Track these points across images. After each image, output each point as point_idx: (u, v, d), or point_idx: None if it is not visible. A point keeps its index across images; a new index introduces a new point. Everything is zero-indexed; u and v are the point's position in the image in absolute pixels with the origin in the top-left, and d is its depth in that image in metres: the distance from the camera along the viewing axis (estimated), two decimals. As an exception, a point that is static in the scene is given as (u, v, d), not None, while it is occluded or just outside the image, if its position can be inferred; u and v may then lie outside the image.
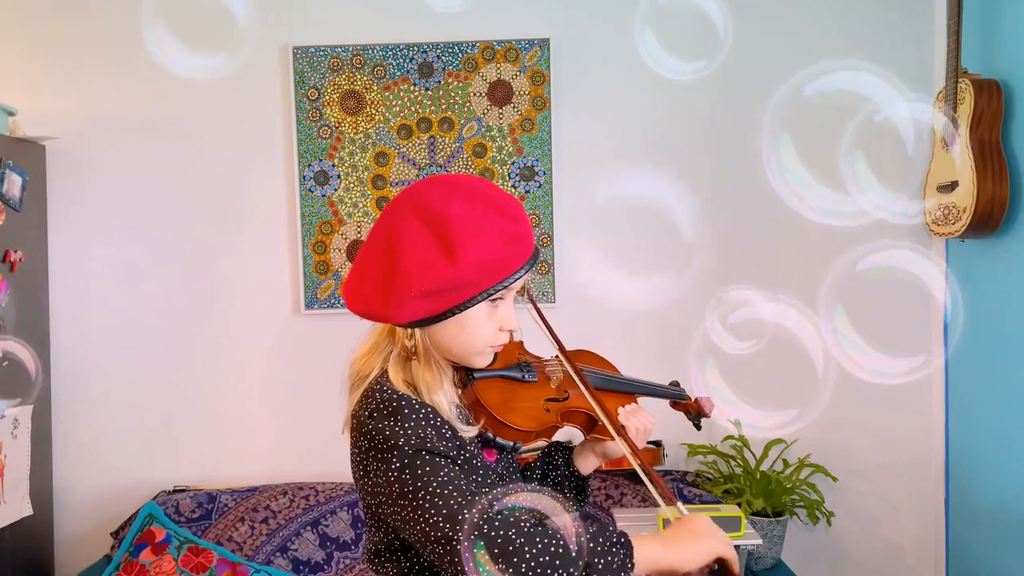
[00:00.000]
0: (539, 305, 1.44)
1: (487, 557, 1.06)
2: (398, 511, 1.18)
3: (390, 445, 1.19)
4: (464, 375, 1.34)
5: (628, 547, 1.11)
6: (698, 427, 1.68)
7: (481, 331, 1.27)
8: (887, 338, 2.84)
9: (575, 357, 1.44)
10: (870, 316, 2.85)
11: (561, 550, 1.07)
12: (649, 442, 2.67)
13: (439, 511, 1.13)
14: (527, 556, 1.06)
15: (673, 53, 2.27)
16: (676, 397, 1.65)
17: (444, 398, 1.27)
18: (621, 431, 1.34)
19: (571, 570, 1.06)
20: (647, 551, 1.12)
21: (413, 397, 1.24)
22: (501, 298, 1.27)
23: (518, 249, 1.24)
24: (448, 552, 1.11)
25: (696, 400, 1.65)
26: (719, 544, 1.16)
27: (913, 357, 2.72)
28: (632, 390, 1.54)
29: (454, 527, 1.11)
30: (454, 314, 1.23)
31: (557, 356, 1.46)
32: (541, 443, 1.41)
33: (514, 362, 1.41)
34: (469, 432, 1.29)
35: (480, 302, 1.24)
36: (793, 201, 2.18)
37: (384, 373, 1.28)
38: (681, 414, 1.67)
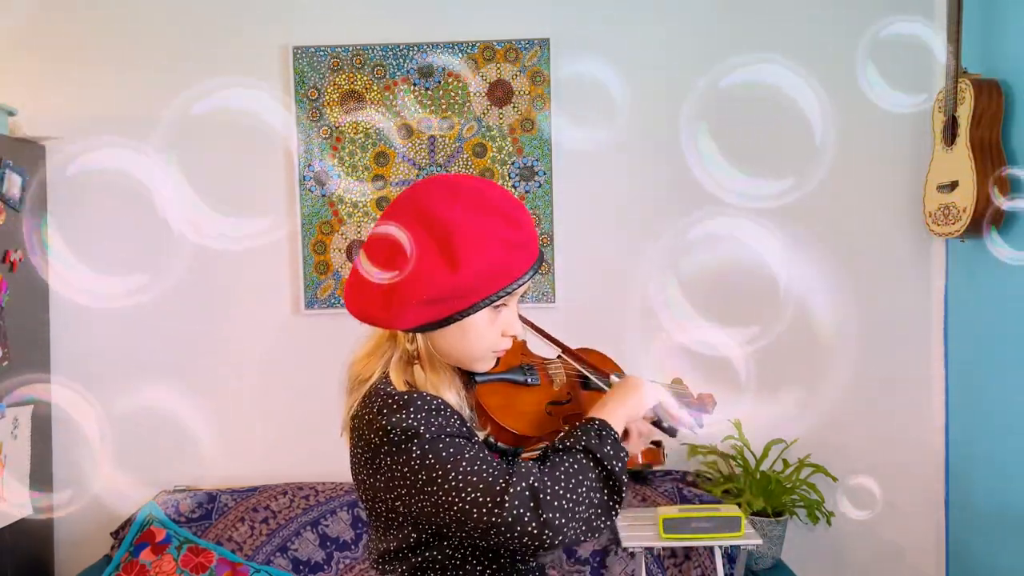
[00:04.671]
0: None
1: (534, 512, 1.14)
2: (426, 498, 1.18)
3: (409, 435, 1.18)
4: (466, 379, 1.33)
5: (607, 427, 1.25)
6: (700, 424, 1.66)
7: (483, 337, 1.27)
8: (887, 338, 2.85)
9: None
10: (870, 316, 2.86)
11: (576, 466, 1.19)
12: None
13: (475, 487, 1.15)
14: (561, 493, 1.16)
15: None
16: (676, 394, 1.63)
17: (452, 398, 1.27)
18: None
19: (591, 475, 1.19)
20: (615, 418, 1.27)
21: (423, 391, 1.24)
22: (504, 304, 1.27)
23: (521, 255, 1.24)
24: (494, 524, 1.14)
25: (698, 397, 1.62)
26: (656, 390, 1.36)
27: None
28: None
29: (495, 497, 1.14)
30: (456, 320, 1.23)
31: (560, 357, 1.45)
32: (544, 446, 1.39)
33: (516, 364, 1.39)
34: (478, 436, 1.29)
35: (482, 308, 1.23)
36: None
37: (385, 376, 1.27)
38: None
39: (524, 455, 1.39)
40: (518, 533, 1.14)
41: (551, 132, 2.82)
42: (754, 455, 2.71)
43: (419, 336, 1.27)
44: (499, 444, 1.32)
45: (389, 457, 1.20)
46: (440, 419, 1.20)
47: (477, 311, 1.23)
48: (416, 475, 1.18)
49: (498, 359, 1.34)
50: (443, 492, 1.16)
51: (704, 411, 1.61)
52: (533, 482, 1.15)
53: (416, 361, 1.28)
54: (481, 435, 1.29)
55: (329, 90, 2.84)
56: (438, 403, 1.22)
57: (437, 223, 1.20)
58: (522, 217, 1.26)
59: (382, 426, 1.20)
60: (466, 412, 1.29)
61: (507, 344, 1.31)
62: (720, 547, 2.33)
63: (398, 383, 1.25)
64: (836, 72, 2.83)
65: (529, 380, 1.38)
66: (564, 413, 1.38)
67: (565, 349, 1.42)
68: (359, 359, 1.32)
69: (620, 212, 2.87)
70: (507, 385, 1.36)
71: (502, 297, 1.23)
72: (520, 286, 1.25)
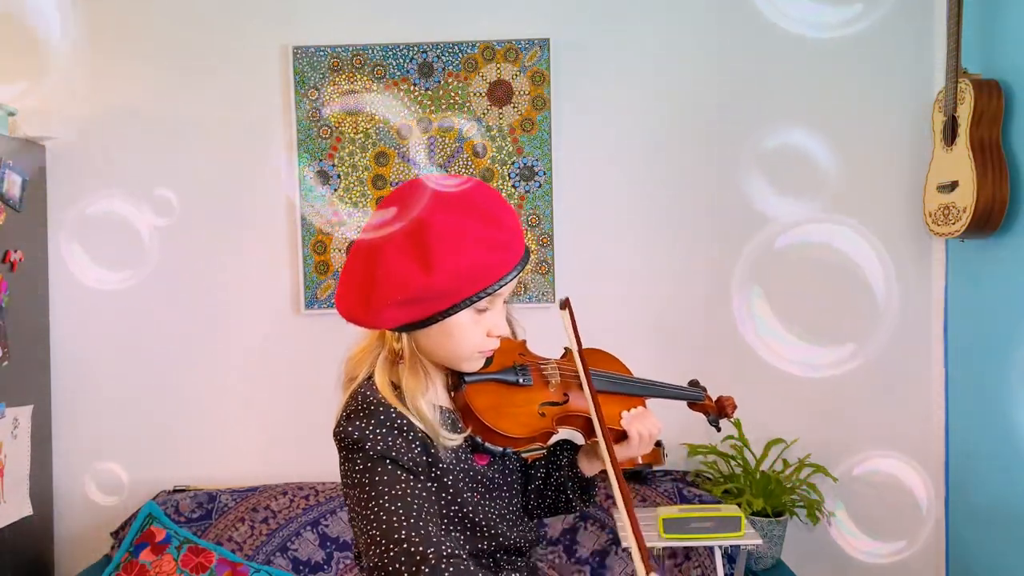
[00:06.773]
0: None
1: None
2: (353, 513, 1.20)
3: (357, 446, 1.20)
4: (456, 379, 1.32)
5: None
6: (718, 428, 1.60)
7: (467, 337, 1.26)
8: (887, 338, 2.85)
9: (584, 356, 1.38)
10: (870, 316, 2.85)
11: None
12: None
13: (379, 526, 1.14)
14: None
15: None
16: (692, 398, 1.56)
17: (428, 403, 1.26)
18: (609, 442, 1.28)
19: None
20: None
21: (392, 406, 1.23)
22: (488, 305, 1.25)
23: (502, 256, 1.22)
24: (376, 566, 1.12)
25: (717, 400, 1.57)
26: None
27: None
28: (642, 392, 1.47)
29: (389, 543, 1.12)
30: (436, 321, 1.22)
31: (563, 356, 1.43)
32: (537, 447, 1.37)
33: (510, 364, 1.37)
34: (454, 440, 1.27)
35: (463, 309, 1.22)
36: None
37: (371, 375, 1.27)
38: (686, 414, 1.60)
39: (527, 456, 1.38)
40: None
41: (551, 132, 2.82)
42: (754, 455, 2.71)
43: (404, 336, 1.26)
44: (487, 445, 1.30)
45: (345, 462, 1.23)
46: (397, 440, 1.20)
47: (457, 312, 1.22)
48: (353, 488, 1.20)
49: (490, 359, 1.33)
50: (361, 517, 1.17)
51: (724, 415, 1.58)
52: (430, 555, 1.09)
53: (400, 361, 1.27)
54: (459, 438, 1.28)
55: (329, 90, 2.84)
56: (401, 423, 1.22)
57: (414, 224, 1.19)
58: (504, 216, 1.23)
59: (341, 431, 1.23)
60: (438, 418, 1.27)
61: (494, 344, 1.29)
62: (720, 547, 2.33)
63: (381, 383, 1.25)
64: (836, 71, 2.84)
65: (521, 380, 1.35)
66: (558, 414, 1.35)
67: (579, 350, 1.37)
68: (352, 356, 1.33)
69: (620, 212, 2.87)
70: (498, 385, 1.33)
71: (483, 298, 1.22)
72: (501, 287, 1.23)
